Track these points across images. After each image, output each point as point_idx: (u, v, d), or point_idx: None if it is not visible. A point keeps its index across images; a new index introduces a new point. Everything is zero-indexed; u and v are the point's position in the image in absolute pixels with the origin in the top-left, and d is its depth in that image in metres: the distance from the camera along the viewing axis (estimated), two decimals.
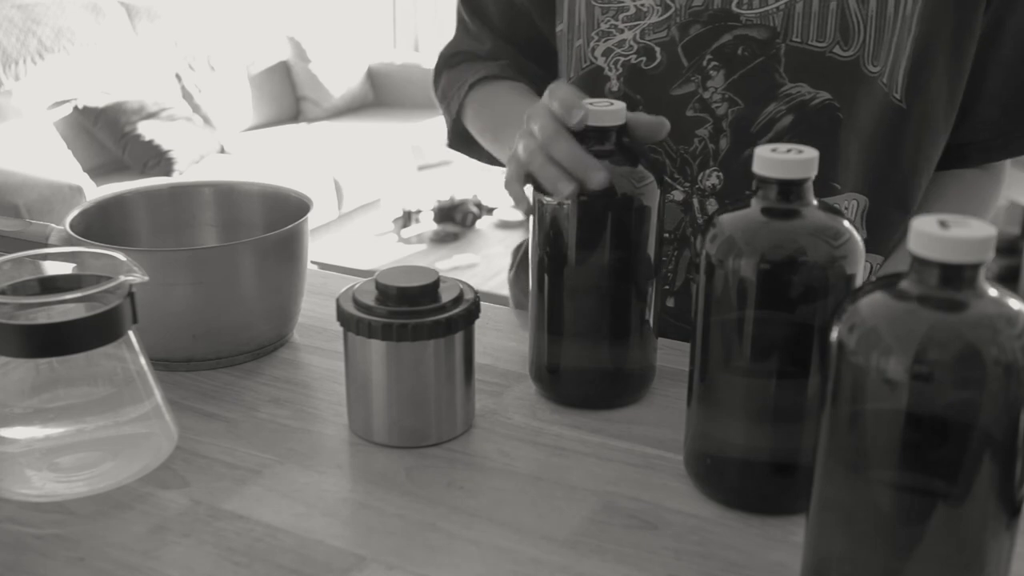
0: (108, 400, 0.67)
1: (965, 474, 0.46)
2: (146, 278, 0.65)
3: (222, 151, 3.77)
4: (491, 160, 1.03)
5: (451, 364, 0.69)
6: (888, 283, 0.47)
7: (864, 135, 0.83)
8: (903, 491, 0.47)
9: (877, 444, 0.48)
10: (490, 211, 3.83)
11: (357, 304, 0.68)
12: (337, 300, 0.69)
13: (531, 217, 0.73)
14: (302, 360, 0.84)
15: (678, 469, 0.67)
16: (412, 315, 0.67)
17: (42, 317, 0.63)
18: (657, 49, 0.84)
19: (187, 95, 3.87)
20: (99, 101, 3.49)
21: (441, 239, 3.67)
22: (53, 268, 0.68)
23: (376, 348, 0.67)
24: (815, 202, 0.59)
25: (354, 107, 4.64)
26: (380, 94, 4.76)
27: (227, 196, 0.94)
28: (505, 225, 3.77)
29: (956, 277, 0.45)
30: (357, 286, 0.70)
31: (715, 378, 0.62)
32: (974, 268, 0.45)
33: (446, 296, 0.69)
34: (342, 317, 0.68)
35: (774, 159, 0.58)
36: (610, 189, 0.69)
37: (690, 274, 0.89)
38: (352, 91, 4.61)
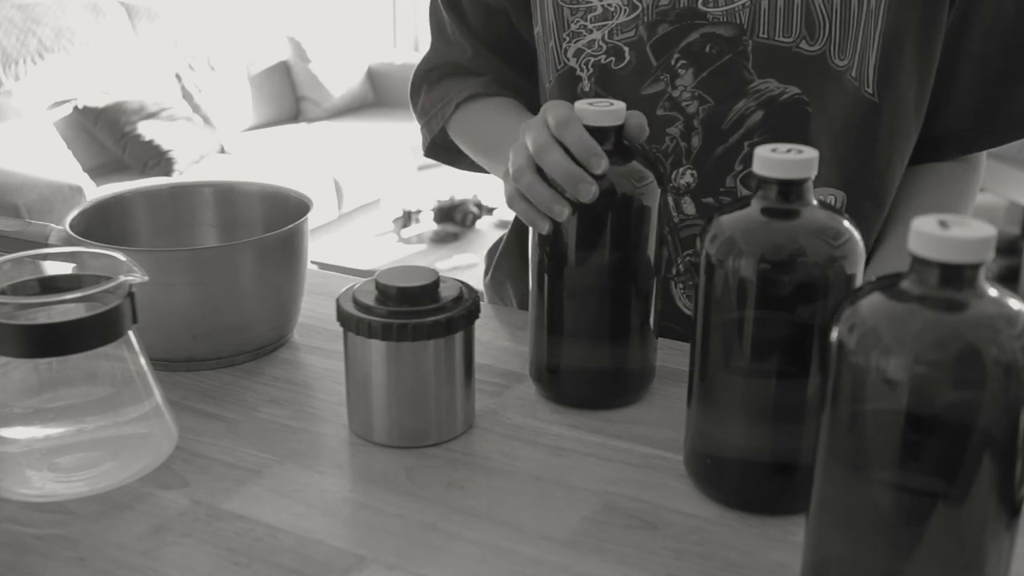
0: (108, 400, 0.67)
1: (965, 474, 0.46)
2: (146, 278, 0.65)
3: (222, 151, 3.76)
4: (472, 167, 1.03)
5: (451, 364, 0.69)
6: (888, 283, 0.47)
7: (837, 130, 0.84)
8: (903, 491, 0.47)
9: (877, 444, 0.48)
10: (490, 211, 3.82)
11: (357, 304, 0.68)
12: (337, 300, 0.69)
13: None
14: (302, 360, 0.84)
15: (678, 469, 0.67)
16: (412, 315, 0.67)
17: (42, 317, 0.63)
18: (626, 49, 0.85)
19: (187, 95, 3.87)
20: (99, 101, 3.49)
21: (441, 239, 3.67)
22: (53, 268, 0.68)
23: (376, 348, 0.67)
24: (815, 202, 0.59)
25: (354, 107, 4.64)
26: (380, 94, 4.76)
27: (227, 196, 0.94)
28: (505, 225, 3.77)
29: (956, 277, 0.45)
30: (357, 286, 0.70)
31: (715, 378, 0.62)
32: (974, 268, 0.45)
33: (446, 296, 0.69)
34: (342, 317, 0.68)
35: (774, 159, 0.58)
36: (610, 189, 0.69)
37: (667, 273, 0.89)
38: (352, 91, 4.61)
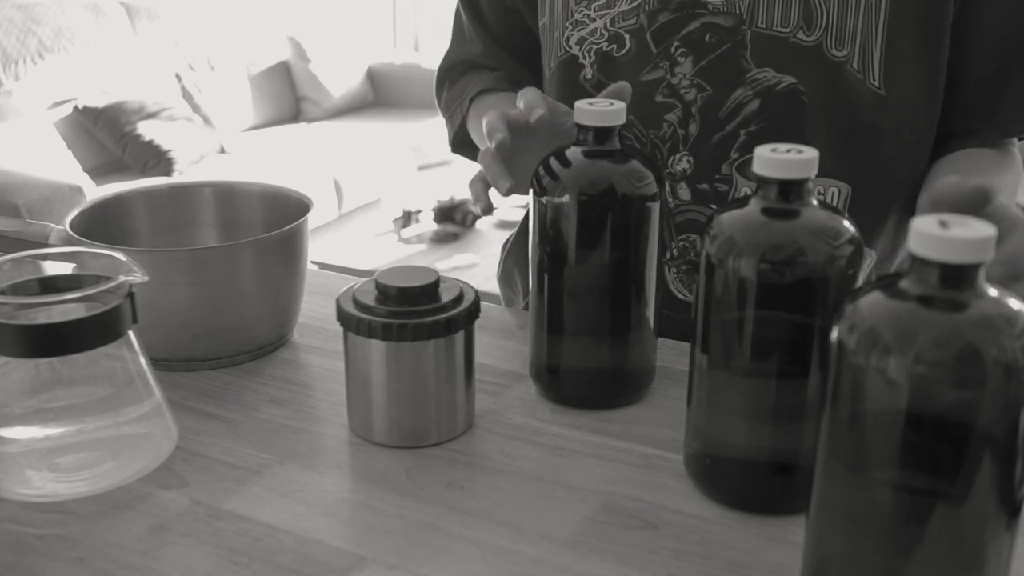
0: (108, 400, 0.67)
1: (965, 474, 0.46)
2: (146, 278, 0.65)
3: (222, 151, 3.77)
4: None
5: (451, 364, 0.69)
6: (888, 283, 0.47)
7: (839, 122, 0.84)
8: (903, 491, 0.47)
9: (877, 444, 0.48)
10: (490, 211, 3.82)
11: (357, 304, 0.68)
12: (337, 300, 0.69)
13: (531, 217, 0.73)
14: (302, 360, 0.84)
15: (678, 469, 0.67)
16: (412, 315, 0.67)
17: (42, 317, 0.63)
18: (626, 36, 0.86)
19: (187, 95, 3.87)
20: (99, 101, 3.49)
21: (441, 239, 3.67)
22: (53, 268, 0.68)
23: (376, 348, 0.67)
24: (815, 202, 0.59)
25: (354, 107, 4.64)
26: (380, 94, 4.76)
27: (227, 196, 0.94)
28: (505, 225, 3.77)
29: (956, 277, 0.45)
30: (357, 286, 0.70)
31: (715, 378, 0.62)
32: (974, 268, 0.45)
33: (446, 296, 0.69)
34: (342, 317, 0.68)
35: (774, 159, 0.58)
36: (610, 189, 0.69)
37: (662, 258, 0.89)
38: (352, 91, 4.61)
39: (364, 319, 0.67)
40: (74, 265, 0.68)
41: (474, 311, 0.69)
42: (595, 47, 0.87)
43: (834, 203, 0.86)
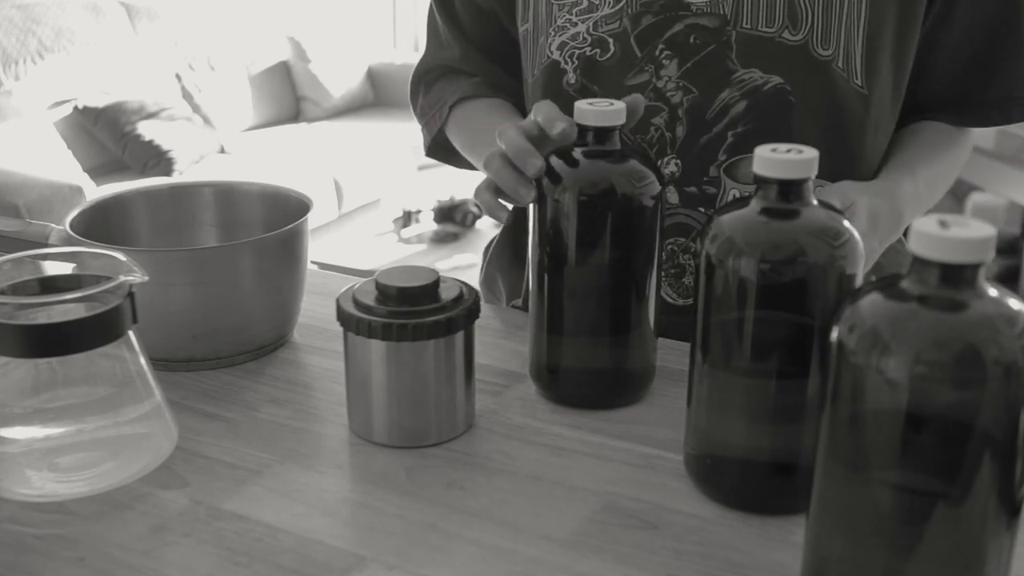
0: (108, 400, 0.67)
1: (965, 474, 0.46)
2: (146, 278, 0.65)
3: (222, 151, 3.76)
4: (471, 166, 1.05)
5: (451, 364, 0.69)
6: (888, 283, 0.47)
7: (825, 121, 0.84)
8: (903, 491, 0.47)
9: (877, 444, 0.48)
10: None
11: (357, 304, 0.68)
12: (337, 300, 0.69)
13: (531, 217, 0.73)
14: (302, 360, 0.84)
15: (678, 469, 0.67)
16: (412, 315, 0.67)
17: (42, 317, 0.63)
18: (610, 40, 0.86)
19: (187, 95, 3.87)
20: (99, 101, 3.49)
21: (441, 239, 3.67)
22: (53, 268, 0.68)
23: (376, 348, 0.67)
24: (815, 202, 0.59)
25: (354, 107, 4.64)
26: (380, 94, 4.76)
27: (227, 196, 0.94)
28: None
29: (956, 277, 0.45)
30: (357, 286, 0.70)
31: (715, 378, 0.62)
32: (974, 268, 0.45)
33: (446, 296, 0.69)
34: (342, 317, 0.68)
35: (774, 159, 0.58)
36: (610, 189, 0.69)
37: None
38: (352, 91, 4.61)
39: (364, 319, 0.67)
40: (74, 265, 0.68)
41: (474, 311, 0.69)
42: (578, 52, 0.87)
43: None
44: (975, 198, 3.17)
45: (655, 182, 0.70)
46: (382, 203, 4.10)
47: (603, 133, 0.70)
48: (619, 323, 0.73)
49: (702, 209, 0.86)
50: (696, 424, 0.64)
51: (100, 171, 3.41)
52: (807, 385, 0.59)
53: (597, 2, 0.85)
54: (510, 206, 0.74)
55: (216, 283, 0.79)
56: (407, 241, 3.71)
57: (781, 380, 0.60)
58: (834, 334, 0.48)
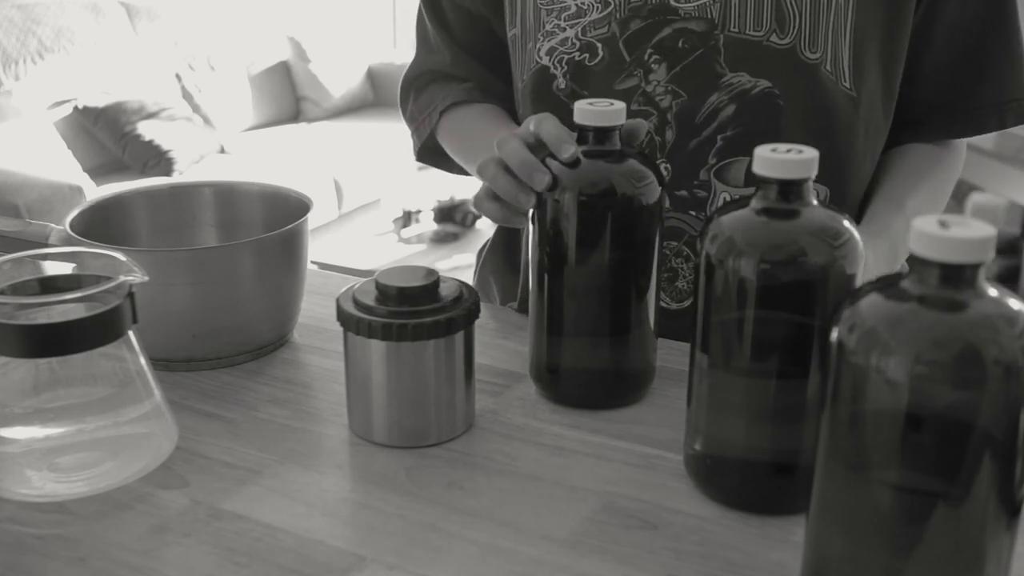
0: (108, 400, 0.67)
1: (965, 474, 0.46)
2: (146, 278, 0.65)
3: (222, 151, 3.76)
4: (462, 171, 1.05)
5: (451, 364, 0.69)
6: (888, 283, 0.47)
7: (815, 124, 0.84)
8: (903, 491, 0.47)
9: (877, 444, 0.48)
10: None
11: (357, 304, 0.68)
12: (337, 300, 0.69)
13: (530, 217, 0.73)
14: (302, 360, 0.84)
15: (678, 469, 0.67)
16: (412, 315, 0.67)
17: (42, 317, 0.63)
18: (599, 45, 0.86)
19: (187, 95, 3.87)
20: (99, 101, 3.49)
21: (441, 239, 3.67)
22: (53, 268, 0.68)
23: (376, 348, 0.67)
24: (815, 202, 0.59)
25: (354, 107, 4.64)
26: (380, 94, 4.76)
27: (227, 196, 0.94)
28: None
29: (956, 277, 0.45)
30: (357, 286, 0.70)
31: (715, 378, 0.62)
32: (974, 268, 0.45)
33: (446, 296, 0.69)
34: (342, 317, 0.68)
35: (774, 159, 0.58)
36: (610, 189, 0.69)
37: None
38: (352, 91, 4.61)
39: (364, 319, 0.67)
40: (74, 265, 0.68)
41: (474, 311, 0.69)
42: (567, 57, 0.87)
43: None
44: (975, 198, 3.17)
45: (655, 182, 0.70)
46: (382, 203, 4.10)
47: (603, 133, 0.70)
48: (619, 323, 0.73)
49: (693, 213, 0.86)
50: (696, 424, 0.64)
51: (100, 171, 3.41)
52: (807, 385, 0.59)
53: (585, 7, 0.85)
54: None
55: (216, 283, 0.79)
56: (407, 241, 3.72)
57: (781, 380, 0.60)
58: (834, 334, 0.48)
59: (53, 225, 0.81)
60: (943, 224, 0.45)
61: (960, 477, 0.46)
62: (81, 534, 0.60)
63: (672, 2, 0.83)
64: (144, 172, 3.44)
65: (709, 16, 0.82)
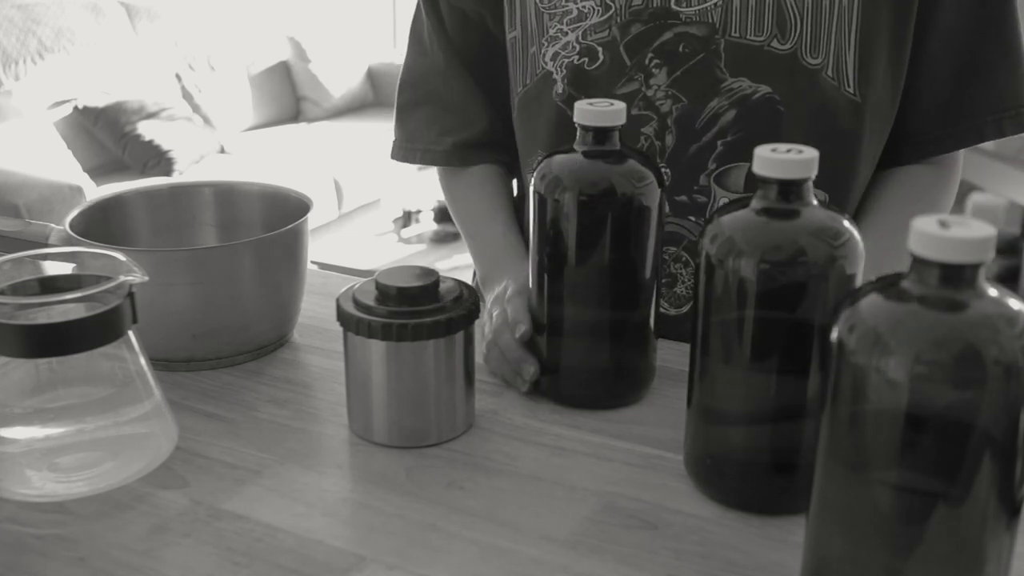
0: (108, 400, 0.67)
1: (965, 474, 0.46)
2: (146, 278, 0.65)
3: (222, 151, 3.76)
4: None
5: (451, 364, 0.69)
6: (888, 283, 0.47)
7: (815, 129, 0.84)
8: (903, 491, 0.47)
9: (877, 444, 0.48)
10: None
11: (357, 304, 0.68)
12: (337, 300, 0.69)
13: (531, 217, 0.73)
14: (302, 360, 0.84)
15: (678, 469, 0.67)
16: (412, 315, 0.67)
17: (42, 317, 0.63)
18: (599, 49, 0.85)
19: (187, 95, 3.87)
20: (99, 101, 3.49)
21: (441, 239, 3.68)
22: (53, 268, 0.68)
23: (376, 348, 0.67)
24: (815, 202, 0.59)
25: (354, 107, 4.64)
26: (380, 94, 4.76)
27: (227, 196, 0.94)
28: None
29: (956, 277, 0.45)
30: (357, 286, 0.70)
31: (715, 378, 0.62)
32: (974, 268, 0.45)
33: (446, 296, 0.69)
34: (342, 317, 0.68)
35: (774, 159, 0.58)
36: (610, 189, 0.69)
37: None
38: (352, 91, 4.61)
39: (364, 319, 0.67)
40: (74, 265, 0.68)
41: (474, 311, 0.69)
42: (567, 61, 0.86)
43: None
44: (975, 198, 3.17)
45: (655, 182, 0.70)
46: (382, 203, 4.10)
47: (603, 133, 0.70)
48: (619, 323, 0.73)
49: (692, 218, 0.86)
50: (696, 424, 0.64)
51: (100, 171, 3.42)
52: (807, 385, 0.59)
53: (586, 11, 0.85)
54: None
55: (216, 283, 0.79)
56: (407, 241, 3.72)
57: (781, 380, 0.60)
58: (834, 334, 0.48)
59: (53, 225, 0.81)
60: (943, 224, 0.45)
61: (960, 477, 0.46)
62: (81, 534, 0.60)
63: (673, 6, 0.82)
64: (144, 172, 3.44)
65: (710, 21, 0.82)
